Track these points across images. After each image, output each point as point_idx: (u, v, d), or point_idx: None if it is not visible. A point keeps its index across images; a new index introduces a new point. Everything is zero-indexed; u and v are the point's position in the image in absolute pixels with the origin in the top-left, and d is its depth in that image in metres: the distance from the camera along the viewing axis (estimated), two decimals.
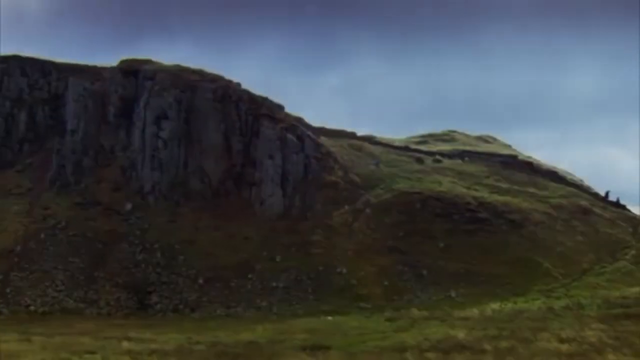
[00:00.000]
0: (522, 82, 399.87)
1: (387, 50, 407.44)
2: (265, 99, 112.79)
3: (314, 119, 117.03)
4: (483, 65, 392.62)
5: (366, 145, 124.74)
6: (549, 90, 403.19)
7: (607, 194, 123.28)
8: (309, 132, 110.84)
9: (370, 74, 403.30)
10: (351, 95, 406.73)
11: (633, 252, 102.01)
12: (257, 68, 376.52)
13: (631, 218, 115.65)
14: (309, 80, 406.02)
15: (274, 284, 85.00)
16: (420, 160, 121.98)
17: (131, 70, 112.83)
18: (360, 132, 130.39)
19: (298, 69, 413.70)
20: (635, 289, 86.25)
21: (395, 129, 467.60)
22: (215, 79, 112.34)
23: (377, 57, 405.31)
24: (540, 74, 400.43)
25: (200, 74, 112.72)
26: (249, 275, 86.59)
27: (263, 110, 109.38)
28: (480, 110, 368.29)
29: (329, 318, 72.86)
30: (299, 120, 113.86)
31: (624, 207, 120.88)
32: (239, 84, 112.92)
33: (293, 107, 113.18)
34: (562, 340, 47.04)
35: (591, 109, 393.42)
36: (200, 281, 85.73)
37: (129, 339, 55.03)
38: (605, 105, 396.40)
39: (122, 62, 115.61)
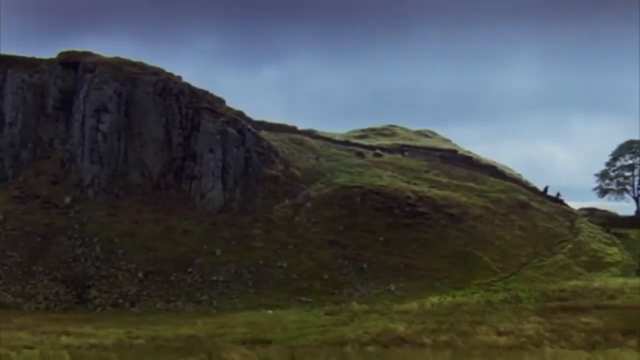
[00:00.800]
0: (460, 78, 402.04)
1: (325, 45, 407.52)
2: (206, 93, 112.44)
3: (254, 113, 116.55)
4: (421, 61, 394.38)
5: (307, 139, 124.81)
6: (487, 86, 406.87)
7: (546, 189, 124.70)
8: (250, 126, 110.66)
9: (308, 69, 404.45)
10: (289, 90, 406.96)
11: (570, 245, 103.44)
12: (194, 62, 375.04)
13: (568, 212, 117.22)
14: (246, 74, 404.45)
15: (214, 278, 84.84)
16: (360, 155, 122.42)
17: (70, 62, 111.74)
18: (300, 127, 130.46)
19: (235, 63, 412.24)
20: (572, 282, 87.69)
21: (334, 124, 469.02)
22: (156, 71, 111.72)
23: (314, 53, 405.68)
24: (478, 71, 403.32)
25: (141, 66, 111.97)
26: (189, 269, 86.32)
27: (204, 104, 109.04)
28: (419, 105, 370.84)
29: (269, 312, 73.09)
30: (240, 114, 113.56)
31: (561, 201, 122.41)
32: (179, 77, 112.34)
33: (231, 101, 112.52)
34: (500, 334, 47.75)
35: (528, 105, 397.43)
36: (140, 275, 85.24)
37: (67, 334, 54.80)
38: (541, 101, 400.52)
39: (62, 54, 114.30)
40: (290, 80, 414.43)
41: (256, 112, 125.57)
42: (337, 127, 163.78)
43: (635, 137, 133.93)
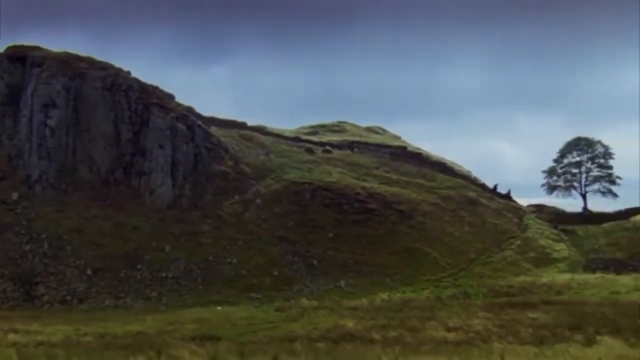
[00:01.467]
0: (409, 76, 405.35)
1: (274, 42, 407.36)
2: (155, 88, 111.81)
3: (203, 110, 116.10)
4: (371, 59, 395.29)
5: (257, 135, 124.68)
6: (436, 83, 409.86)
7: (495, 186, 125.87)
8: (200, 122, 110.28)
9: (257, 65, 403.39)
10: (238, 86, 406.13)
11: (518, 242, 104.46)
12: (144, 58, 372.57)
13: (517, 209, 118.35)
14: (194, 71, 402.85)
15: (164, 274, 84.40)
16: (310, 151, 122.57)
17: (18, 56, 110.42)
18: (250, 123, 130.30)
19: (184, 59, 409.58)
20: (520, 278, 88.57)
21: (284, 120, 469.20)
22: (105, 66, 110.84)
23: (263, 49, 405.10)
24: (427, 69, 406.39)
25: (90, 61, 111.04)
26: (138, 266, 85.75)
27: (153, 99, 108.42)
28: (369, 102, 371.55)
29: (219, 308, 72.96)
30: (190, 110, 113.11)
31: (510, 198, 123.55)
32: (128, 72, 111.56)
33: (181, 97, 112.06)
34: (449, 329, 48.07)
35: (476, 103, 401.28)
36: (89, 272, 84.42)
37: (15, 331, 54.16)
38: (489, 99, 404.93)
39: (9, 48, 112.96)
40: (239, 76, 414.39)
41: (206, 108, 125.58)
42: (287, 124, 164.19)
43: (582, 135, 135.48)
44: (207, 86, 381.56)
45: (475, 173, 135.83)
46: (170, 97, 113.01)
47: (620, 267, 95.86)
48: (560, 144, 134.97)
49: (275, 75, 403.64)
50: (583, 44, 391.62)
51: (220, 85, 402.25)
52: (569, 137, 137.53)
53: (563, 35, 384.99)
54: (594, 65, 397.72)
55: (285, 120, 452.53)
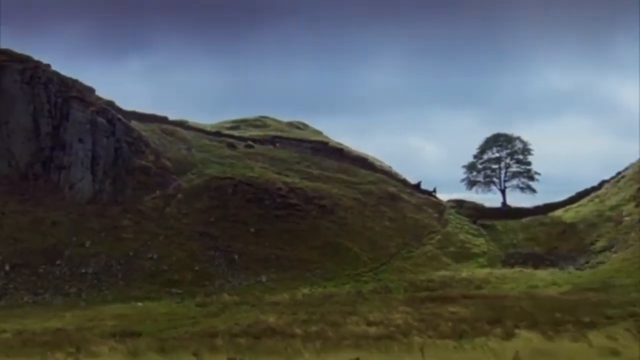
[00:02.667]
0: (330, 72, 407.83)
1: (193, 36, 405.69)
2: (75, 81, 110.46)
3: (123, 104, 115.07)
4: (293, 56, 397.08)
5: (178, 130, 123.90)
6: (356, 81, 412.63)
7: (419, 183, 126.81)
8: (120, 116, 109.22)
9: (177, 59, 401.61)
10: (158, 80, 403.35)
11: (439, 237, 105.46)
12: (58, 51, 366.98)
13: (437, 204, 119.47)
14: (112, 64, 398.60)
15: (83, 270, 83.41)
16: (232, 146, 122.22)
17: None
18: (171, 117, 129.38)
19: (101, 53, 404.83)
20: (440, 273, 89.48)
21: (206, 115, 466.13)
22: (24, 59, 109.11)
23: (183, 43, 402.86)
24: (348, 66, 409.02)
25: (8, 54, 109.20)
26: (58, 261, 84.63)
27: (73, 93, 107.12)
28: (290, 97, 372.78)
29: (139, 304, 72.41)
30: (110, 103, 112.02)
31: (430, 193, 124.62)
32: (48, 66, 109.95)
33: (101, 91, 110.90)
34: (370, 324, 48.31)
35: (396, 100, 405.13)
36: (7, 267, 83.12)
37: None
38: (408, 96, 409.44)
39: None
40: (157, 71, 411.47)
41: (126, 102, 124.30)
42: (209, 118, 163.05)
43: (501, 131, 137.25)
44: (124, 80, 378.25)
45: (396, 168, 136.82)
46: (91, 90, 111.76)
47: (538, 261, 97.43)
48: (478, 140, 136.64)
49: (193, 70, 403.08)
50: (499, 43, 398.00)
51: (138, 80, 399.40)
52: (486, 134, 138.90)
53: (479, 35, 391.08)
54: (510, 64, 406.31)
55: (207, 115, 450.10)
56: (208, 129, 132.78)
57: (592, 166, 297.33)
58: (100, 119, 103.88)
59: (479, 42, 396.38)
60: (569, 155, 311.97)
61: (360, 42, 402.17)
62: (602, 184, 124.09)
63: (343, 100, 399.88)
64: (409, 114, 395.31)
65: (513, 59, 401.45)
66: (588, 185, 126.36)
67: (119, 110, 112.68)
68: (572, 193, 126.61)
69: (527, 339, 38.27)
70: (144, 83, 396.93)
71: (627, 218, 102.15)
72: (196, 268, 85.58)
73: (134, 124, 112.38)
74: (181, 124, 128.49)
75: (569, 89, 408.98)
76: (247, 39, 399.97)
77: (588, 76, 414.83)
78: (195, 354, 34.36)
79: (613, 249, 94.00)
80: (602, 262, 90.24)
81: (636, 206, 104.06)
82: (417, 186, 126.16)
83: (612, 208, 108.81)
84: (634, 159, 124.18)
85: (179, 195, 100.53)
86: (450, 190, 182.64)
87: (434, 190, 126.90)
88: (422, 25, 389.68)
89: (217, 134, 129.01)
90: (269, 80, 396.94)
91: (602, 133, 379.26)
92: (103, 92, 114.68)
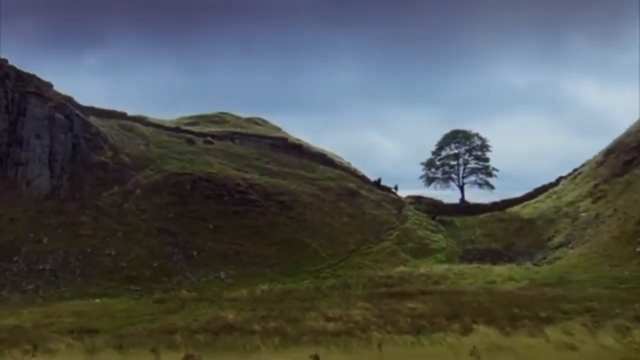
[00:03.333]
0: (289, 68, 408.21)
1: (150, 33, 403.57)
2: (33, 77, 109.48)
3: (81, 99, 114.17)
4: (251, 50, 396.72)
5: (137, 125, 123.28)
6: (315, 77, 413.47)
7: (379, 180, 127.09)
8: (78, 112, 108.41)
9: (134, 55, 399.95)
10: (116, 76, 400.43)
11: (397, 233, 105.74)
12: (11, 46, 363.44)
13: (396, 200, 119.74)
14: (68, 60, 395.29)
15: (41, 267, 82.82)
16: (191, 142, 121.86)
17: None
18: (130, 113, 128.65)
19: (58, 48, 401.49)
20: (398, 269, 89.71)
21: (165, 110, 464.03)
22: None
23: (139, 40, 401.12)
24: (308, 62, 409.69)
25: None
26: (15, 258, 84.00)
27: (31, 88, 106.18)
28: (249, 93, 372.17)
29: (97, 301, 72.15)
30: (68, 99, 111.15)
31: (389, 189, 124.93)
32: (5, 60, 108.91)
33: (58, 87, 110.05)
34: (329, 319, 48.38)
35: (355, 97, 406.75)
36: None
37: None
38: (366, 93, 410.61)
39: None
40: (116, 66, 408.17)
41: (83, 98, 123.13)
42: (168, 114, 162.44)
43: (459, 128, 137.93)
44: (81, 76, 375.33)
45: (355, 164, 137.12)
46: (49, 85, 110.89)
47: (495, 257, 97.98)
48: (435, 137, 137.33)
49: (151, 66, 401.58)
50: (455, 41, 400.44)
51: (95, 75, 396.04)
52: (443, 131, 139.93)
53: (436, 34, 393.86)
54: (466, 62, 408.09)
55: (166, 111, 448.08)
56: (167, 124, 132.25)
57: (548, 163, 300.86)
58: (58, 115, 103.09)
59: (436, 41, 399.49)
60: (526, 152, 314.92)
61: (319, 40, 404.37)
62: (559, 180, 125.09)
63: (302, 97, 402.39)
64: (366, 111, 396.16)
65: (470, 57, 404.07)
66: (545, 182, 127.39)
67: (77, 105, 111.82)
68: (529, 189, 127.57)
69: (484, 334, 38.50)
70: (100, 79, 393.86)
71: (583, 214, 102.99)
72: (154, 264, 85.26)
73: (92, 119, 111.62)
74: (140, 120, 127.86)
75: (525, 87, 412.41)
76: (206, 35, 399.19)
77: (544, 74, 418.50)
78: (153, 351, 34.25)
79: (570, 245, 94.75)
80: (559, 258, 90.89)
81: (592, 202, 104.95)
82: (377, 183, 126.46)
83: (569, 204, 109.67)
84: (590, 156, 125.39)
85: (138, 191, 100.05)
86: (409, 186, 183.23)
87: (396, 188, 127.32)
88: (379, 23, 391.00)
89: (176, 129, 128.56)
90: (228, 76, 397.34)
91: (558, 130, 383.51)
92: (60, 88, 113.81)
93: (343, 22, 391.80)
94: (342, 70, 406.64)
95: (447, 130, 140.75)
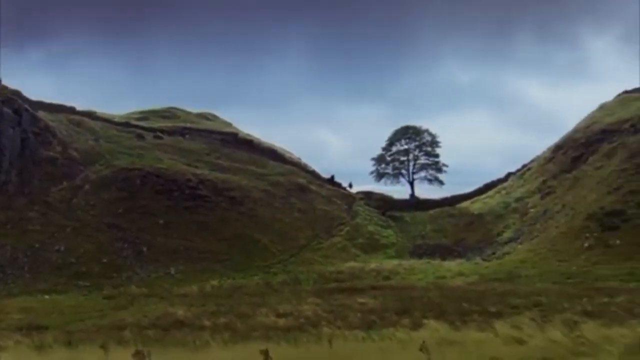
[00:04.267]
0: (239, 64, 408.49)
1: (94, 25, 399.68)
2: None
3: (30, 93, 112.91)
4: (200, 45, 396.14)
5: (86, 120, 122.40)
6: (264, 72, 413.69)
7: (332, 177, 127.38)
8: (27, 106, 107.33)
9: (82, 50, 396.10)
10: (60, 70, 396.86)
11: (348, 228, 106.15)
12: None
13: (346, 195, 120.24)
14: (11, 54, 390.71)
15: None
16: (140, 137, 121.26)
17: None
18: (79, 108, 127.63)
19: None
20: (349, 264, 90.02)
21: (114, 105, 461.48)
22: None
23: (83, 32, 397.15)
24: (257, 57, 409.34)
25: None
26: None
27: None
28: (198, 88, 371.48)
29: (46, 297, 71.46)
30: (17, 93, 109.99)
31: (339, 185, 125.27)
32: None
33: (6, 81, 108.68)
34: (279, 315, 48.33)
35: (304, 92, 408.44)
36: None
37: None
38: (314, 89, 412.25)
39: None
40: (64, 60, 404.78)
41: (31, 92, 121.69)
42: (117, 109, 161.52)
43: (408, 124, 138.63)
44: (27, 70, 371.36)
45: (305, 160, 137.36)
46: None
47: (445, 252, 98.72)
48: (384, 133, 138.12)
49: (100, 60, 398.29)
50: (403, 38, 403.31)
51: (42, 70, 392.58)
52: (391, 127, 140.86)
53: (383, 31, 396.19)
54: (414, 60, 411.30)
55: (115, 106, 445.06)
56: (116, 119, 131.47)
57: (495, 159, 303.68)
58: (6, 109, 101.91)
59: (384, 37, 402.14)
60: (473, 148, 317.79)
61: (268, 35, 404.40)
62: (508, 176, 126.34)
63: (252, 92, 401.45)
64: (316, 107, 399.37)
65: (417, 54, 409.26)
66: (493, 178, 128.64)
67: (26, 100, 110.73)
68: (477, 185, 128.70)
69: (434, 329, 38.63)
70: (45, 73, 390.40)
71: (532, 210, 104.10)
72: (104, 260, 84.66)
73: (41, 114, 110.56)
74: (89, 115, 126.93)
75: (470, 84, 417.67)
76: (154, 29, 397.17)
77: (489, 71, 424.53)
78: (102, 347, 33.96)
79: (519, 240, 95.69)
80: (508, 253, 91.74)
81: (541, 198, 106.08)
82: (331, 180, 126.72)
83: (517, 200, 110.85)
84: (537, 152, 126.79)
85: (87, 187, 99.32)
86: (359, 182, 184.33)
87: (350, 185, 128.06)
88: (328, 20, 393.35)
89: (126, 124, 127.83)
90: (177, 71, 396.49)
91: (504, 126, 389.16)
92: (7, 82, 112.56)
93: (292, 18, 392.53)
94: (291, 66, 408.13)
95: (395, 126, 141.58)
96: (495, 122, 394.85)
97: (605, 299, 49.43)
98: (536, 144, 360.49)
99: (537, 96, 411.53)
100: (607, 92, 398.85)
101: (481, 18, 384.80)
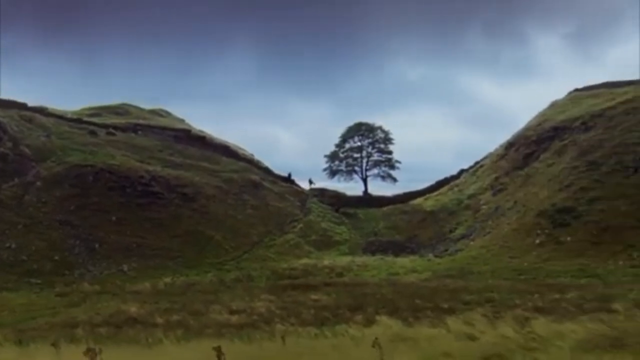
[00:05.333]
0: (188, 59, 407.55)
1: (38, 20, 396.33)
2: None
3: None
4: (150, 40, 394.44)
5: (37, 116, 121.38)
6: (215, 67, 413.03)
7: (289, 175, 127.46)
8: None
9: (22, 44, 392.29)
10: (7, 65, 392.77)
11: (301, 225, 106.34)
12: None
13: (299, 192, 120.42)
14: None
15: None
16: (93, 133, 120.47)
17: None
18: (30, 103, 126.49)
19: None
20: (302, 261, 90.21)
21: (66, 101, 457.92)
22: None
23: (27, 28, 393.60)
24: (207, 52, 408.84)
25: None
26: None
27: None
28: (149, 84, 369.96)
29: None
30: None
31: (292, 181, 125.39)
32: None
33: None
34: (232, 312, 48.30)
35: (251, 88, 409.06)
36: None
37: None
38: (267, 84, 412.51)
39: None
40: (12, 55, 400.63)
41: None
42: (69, 105, 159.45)
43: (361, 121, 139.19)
44: None
45: (258, 156, 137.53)
46: None
47: (398, 249, 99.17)
48: (335, 130, 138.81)
49: (50, 55, 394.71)
50: (352, 34, 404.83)
51: None
52: (343, 124, 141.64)
53: (332, 26, 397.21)
54: (364, 57, 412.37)
55: (67, 102, 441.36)
56: (69, 115, 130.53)
57: (447, 156, 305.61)
58: None
59: (334, 34, 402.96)
60: (425, 145, 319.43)
61: (219, 31, 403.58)
62: (461, 173, 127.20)
63: (204, 89, 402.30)
64: (267, 103, 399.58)
65: (367, 50, 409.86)
66: (445, 175, 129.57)
67: None
68: (429, 182, 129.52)
69: (387, 325, 38.81)
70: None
71: (484, 206, 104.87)
72: (56, 257, 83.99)
73: None
74: (41, 111, 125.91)
75: (422, 81, 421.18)
76: (104, 26, 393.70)
77: (439, 68, 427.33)
78: (53, 345, 33.78)
79: (471, 237, 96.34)
80: (460, 250, 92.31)
81: (493, 195, 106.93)
82: (288, 178, 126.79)
83: (470, 197, 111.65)
84: (487, 149, 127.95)
85: (38, 183, 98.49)
86: (313, 179, 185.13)
87: (311, 182, 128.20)
88: (277, 17, 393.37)
89: (78, 121, 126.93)
90: (129, 67, 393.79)
91: (455, 123, 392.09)
92: None
93: (243, 14, 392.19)
94: (243, 62, 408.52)
95: (347, 124, 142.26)
96: (446, 119, 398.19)
97: (556, 295, 49.92)
98: (487, 140, 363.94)
99: (487, 93, 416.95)
100: (556, 89, 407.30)
101: (431, 16, 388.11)
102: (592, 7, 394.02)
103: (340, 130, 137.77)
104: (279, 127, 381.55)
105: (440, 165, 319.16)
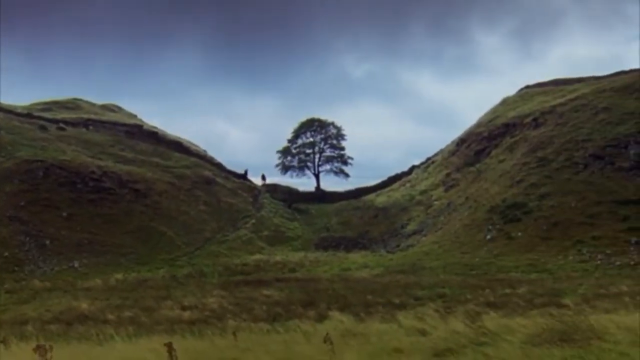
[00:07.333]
0: (137, 54, 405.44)
1: None
2: None
3: None
4: (99, 34, 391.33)
5: None
6: (162, 63, 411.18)
7: (246, 172, 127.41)
8: None
9: None
10: None
11: (253, 221, 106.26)
12: None
13: (252, 188, 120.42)
14: None
15: None
16: (43, 128, 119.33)
17: None
18: None
19: None
20: (255, 257, 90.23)
21: (16, 95, 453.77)
22: None
23: None
24: (153, 48, 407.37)
25: None
26: None
27: None
28: (100, 79, 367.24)
29: None
30: None
31: (245, 177, 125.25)
32: None
33: None
34: (184, 308, 48.27)
35: (198, 83, 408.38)
36: None
37: None
38: (215, 80, 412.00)
39: None
40: None
41: None
42: (19, 99, 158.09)
43: (315, 116, 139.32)
44: None
45: (211, 152, 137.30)
46: None
47: (350, 245, 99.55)
48: (287, 125, 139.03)
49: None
50: (298, 30, 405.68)
51: None
52: (293, 119, 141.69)
53: (279, 22, 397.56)
54: (309, 54, 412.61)
55: (17, 96, 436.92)
56: (18, 110, 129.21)
57: (395, 152, 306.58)
58: None
59: (281, 29, 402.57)
60: (372, 141, 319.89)
61: (166, 26, 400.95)
62: (412, 169, 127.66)
63: (153, 84, 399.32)
64: (216, 99, 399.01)
65: (312, 47, 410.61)
66: (396, 171, 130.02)
67: None
68: (380, 178, 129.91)
69: (339, 320, 38.73)
70: None
71: (436, 202, 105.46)
72: (5, 254, 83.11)
73: None
74: None
75: (367, 78, 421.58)
76: (53, 19, 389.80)
77: (383, 65, 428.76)
78: (2, 342, 33.45)
79: (423, 232, 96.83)
80: (412, 245, 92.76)
81: (445, 191, 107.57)
82: (244, 176, 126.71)
83: (422, 193, 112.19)
84: (440, 145, 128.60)
85: None
86: (265, 174, 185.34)
87: (263, 178, 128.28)
88: (225, 11, 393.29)
89: (28, 115, 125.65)
90: (79, 62, 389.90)
91: (401, 120, 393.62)
92: None
93: (190, 10, 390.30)
94: (190, 58, 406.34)
95: (294, 119, 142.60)
96: (393, 115, 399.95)
97: (507, 290, 50.48)
98: (436, 137, 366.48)
99: (432, 90, 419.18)
100: (499, 86, 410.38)
101: (374, 13, 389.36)
102: (535, 5, 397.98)
103: (290, 125, 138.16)
104: (228, 122, 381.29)
105: (390, 162, 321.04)
